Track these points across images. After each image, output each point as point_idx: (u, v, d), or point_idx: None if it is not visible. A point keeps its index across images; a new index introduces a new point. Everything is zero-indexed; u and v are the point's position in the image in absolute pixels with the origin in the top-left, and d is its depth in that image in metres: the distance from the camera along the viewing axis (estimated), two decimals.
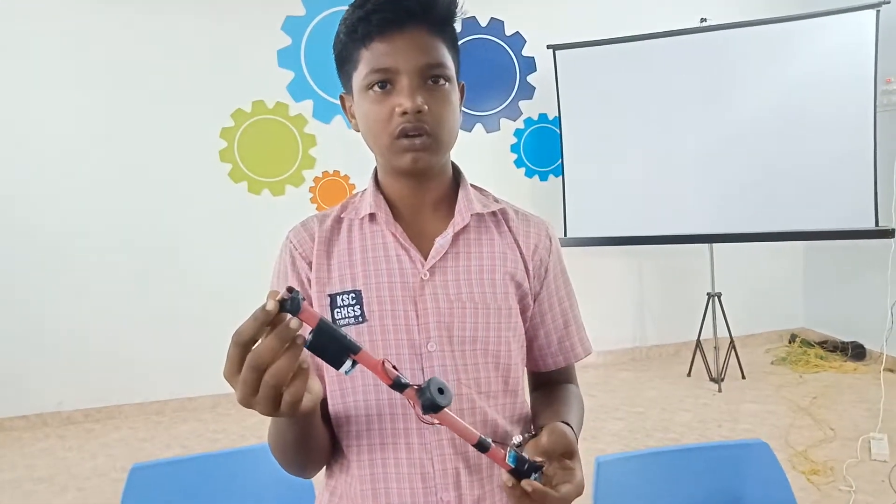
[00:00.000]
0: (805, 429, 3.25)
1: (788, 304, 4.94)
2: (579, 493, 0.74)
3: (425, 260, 0.87)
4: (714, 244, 4.03)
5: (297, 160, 4.04)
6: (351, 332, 0.85)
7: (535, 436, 0.82)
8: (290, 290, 0.58)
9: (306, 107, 3.99)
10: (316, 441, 0.84)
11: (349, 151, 3.98)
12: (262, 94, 3.92)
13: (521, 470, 0.70)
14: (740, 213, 3.82)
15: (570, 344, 0.99)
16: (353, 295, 0.86)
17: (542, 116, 4.39)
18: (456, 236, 0.89)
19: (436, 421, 0.67)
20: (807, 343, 4.62)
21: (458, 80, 0.89)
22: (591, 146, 4.07)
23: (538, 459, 0.72)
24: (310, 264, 0.89)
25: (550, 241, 0.97)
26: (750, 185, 3.79)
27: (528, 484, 0.69)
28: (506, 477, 0.70)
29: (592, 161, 4.07)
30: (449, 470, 0.85)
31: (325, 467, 0.94)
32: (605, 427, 3.40)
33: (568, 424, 0.82)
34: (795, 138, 3.69)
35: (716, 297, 4.05)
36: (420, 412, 0.65)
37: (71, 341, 3.80)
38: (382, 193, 0.92)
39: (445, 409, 0.65)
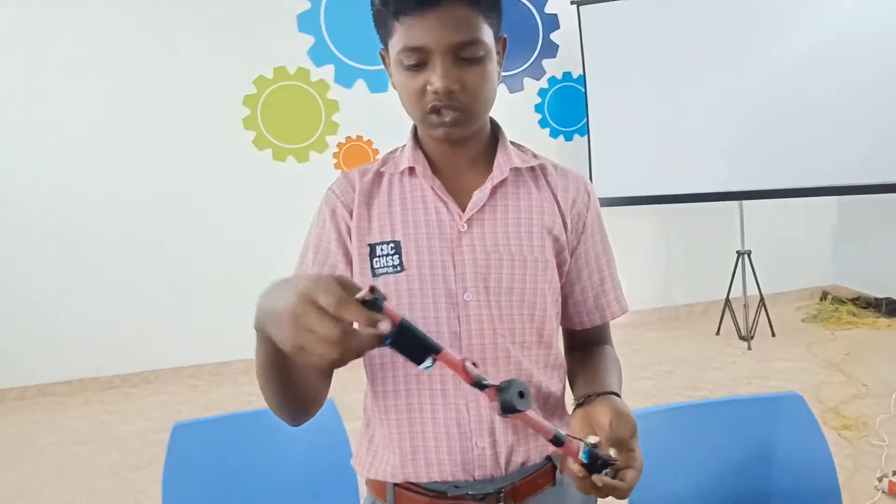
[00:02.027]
0: (837, 385, 3.23)
1: (819, 260, 4.86)
2: (641, 473, 0.74)
3: (463, 212, 0.88)
4: (743, 201, 3.96)
5: (320, 126, 4.03)
6: (389, 281, 0.86)
7: (581, 404, 0.82)
8: (372, 289, 0.57)
9: (328, 72, 3.97)
10: (300, 378, 0.82)
11: (372, 116, 3.96)
12: (283, 60, 3.90)
13: (593, 465, 0.71)
14: (770, 170, 3.74)
15: (606, 301, 0.99)
16: (393, 245, 0.87)
17: (567, 75, 4.31)
18: (494, 190, 0.90)
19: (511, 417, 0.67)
20: (838, 300, 4.55)
21: (498, 35, 0.87)
22: (616, 104, 3.99)
23: (610, 455, 0.71)
24: (350, 213, 0.90)
25: (589, 196, 0.96)
26: (780, 141, 3.69)
27: (599, 479, 0.70)
28: (576, 467, 0.71)
29: (618, 120, 4.00)
30: (484, 417, 0.86)
31: (364, 419, 0.96)
32: (633, 386, 3.41)
33: (617, 396, 0.83)
34: (827, 92, 3.58)
35: (745, 255, 3.99)
36: (499, 411, 0.65)
37: (107, 309, 3.90)
38: (421, 149, 0.92)
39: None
